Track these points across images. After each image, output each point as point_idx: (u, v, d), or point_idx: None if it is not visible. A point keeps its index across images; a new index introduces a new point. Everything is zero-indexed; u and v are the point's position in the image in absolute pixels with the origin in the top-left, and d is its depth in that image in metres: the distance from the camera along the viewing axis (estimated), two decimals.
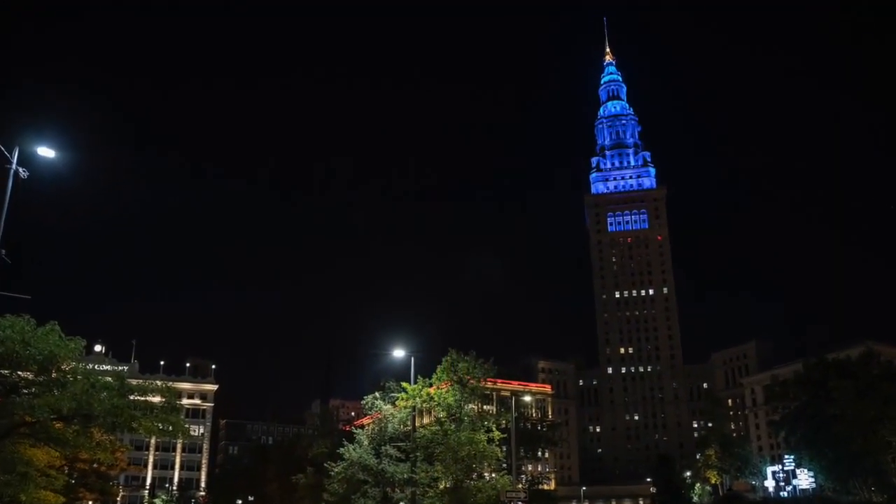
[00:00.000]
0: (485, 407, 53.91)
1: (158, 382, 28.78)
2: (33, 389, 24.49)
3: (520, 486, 60.18)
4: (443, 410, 43.12)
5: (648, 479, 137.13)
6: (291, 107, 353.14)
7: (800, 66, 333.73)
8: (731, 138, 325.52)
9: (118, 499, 77.95)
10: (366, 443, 44.74)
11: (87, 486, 48.07)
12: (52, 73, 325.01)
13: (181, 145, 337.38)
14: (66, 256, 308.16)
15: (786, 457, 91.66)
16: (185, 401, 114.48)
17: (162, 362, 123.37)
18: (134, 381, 27.96)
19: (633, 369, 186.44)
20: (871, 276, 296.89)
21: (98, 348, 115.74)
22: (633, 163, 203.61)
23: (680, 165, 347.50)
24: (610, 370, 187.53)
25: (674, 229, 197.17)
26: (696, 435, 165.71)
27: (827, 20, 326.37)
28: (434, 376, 45.69)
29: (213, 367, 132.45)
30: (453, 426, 41.67)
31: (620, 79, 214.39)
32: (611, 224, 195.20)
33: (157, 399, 26.94)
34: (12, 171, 19.62)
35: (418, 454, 41.29)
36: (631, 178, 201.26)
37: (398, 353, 40.77)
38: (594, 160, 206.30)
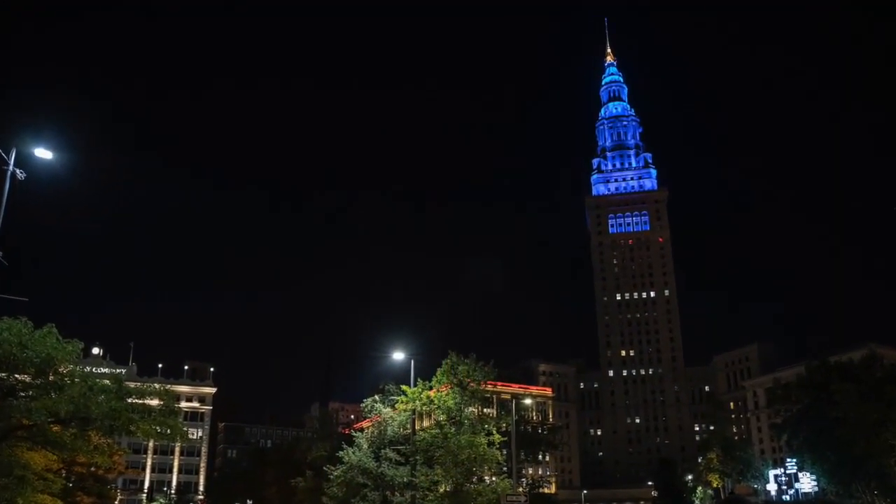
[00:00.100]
0: (485, 410, 53.79)
1: (157, 385, 28.67)
2: (30, 392, 24.39)
3: (520, 489, 59.93)
4: (443, 413, 42.95)
5: (650, 483, 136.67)
6: (291, 108, 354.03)
7: (800, 66, 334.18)
8: (733, 139, 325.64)
9: (116, 502, 77.54)
10: (365, 446, 44.54)
11: (84, 489, 47.88)
12: (50, 73, 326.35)
13: (180, 146, 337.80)
14: (63, 258, 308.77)
15: (788, 460, 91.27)
16: (183, 404, 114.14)
17: (160, 365, 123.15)
18: (132, 384, 27.82)
19: (634, 372, 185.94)
20: (874, 278, 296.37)
21: (96, 351, 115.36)
22: (634, 164, 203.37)
23: (681, 167, 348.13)
24: (611, 373, 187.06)
25: (675, 231, 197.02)
26: (697, 438, 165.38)
27: (827, 20, 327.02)
28: (434, 379, 45.56)
29: (212, 369, 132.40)
30: (453, 429, 41.49)
31: (622, 80, 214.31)
32: (612, 226, 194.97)
33: (155, 402, 26.83)
34: (10, 173, 19.56)
35: (418, 457, 41.11)
36: (632, 179, 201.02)
37: (398, 355, 40.65)
38: (595, 161, 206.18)
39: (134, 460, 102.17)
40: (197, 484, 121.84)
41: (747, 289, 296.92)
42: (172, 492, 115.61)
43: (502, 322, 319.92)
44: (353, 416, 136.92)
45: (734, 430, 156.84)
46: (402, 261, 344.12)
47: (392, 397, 45.62)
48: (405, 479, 40.85)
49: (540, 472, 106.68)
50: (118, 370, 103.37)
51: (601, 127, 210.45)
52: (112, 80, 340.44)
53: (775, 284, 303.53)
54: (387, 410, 45.24)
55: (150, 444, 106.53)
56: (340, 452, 45.66)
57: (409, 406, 43.03)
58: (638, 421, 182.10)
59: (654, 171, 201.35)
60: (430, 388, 44.68)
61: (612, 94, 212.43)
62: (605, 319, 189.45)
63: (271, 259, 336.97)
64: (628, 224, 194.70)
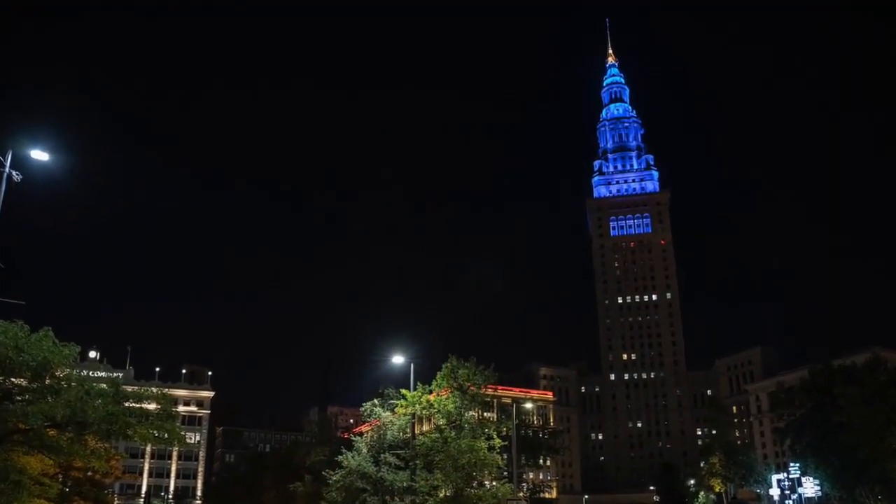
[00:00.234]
0: (485, 414, 53.50)
1: (154, 389, 28.49)
2: (27, 396, 24.25)
3: (521, 494, 59.58)
4: (443, 417, 42.71)
5: (652, 488, 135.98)
6: (290, 108, 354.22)
7: (801, 66, 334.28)
8: (735, 141, 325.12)
9: None
10: (364, 450, 44.30)
11: (81, 494, 47.63)
12: (48, 73, 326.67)
13: (178, 147, 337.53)
14: (60, 261, 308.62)
15: (791, 465, 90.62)
16: (181, 408, 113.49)
17: (158, 369, 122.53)
18: (129, 388, 27.67)
19: (636, 376, 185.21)
20: (877, 281, 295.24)
21: (93, 354, 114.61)
22: (635, 166, 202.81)
23: (683, 168, 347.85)
24: (612, 377, 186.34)
25: (677, 233, 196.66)
26: (699, 442, 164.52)
27: (828, 20, 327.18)
28: (434, 383, 45.37)
29: (210, 373, 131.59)
30: (453, 433, 41.25)
31: (623, 81, 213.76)
32: (613, 228, 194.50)
33: (152, 406, 26.67)
34: (6, 175, 19.46)
35: (418, 462, 40.87)
36: (634, 181, 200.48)
37: (397, 359, 40.46)
38: (596, 163, 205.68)
39: (131, 465, 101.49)
40: (195, 489, 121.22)
41: (750, 292, 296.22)
42: (170, 496, 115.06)
43: (503, 325, 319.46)
44: (352, 421, 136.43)
45: (737, 434, 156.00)
46: (402, 262, 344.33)
47: (392, 401, 45.42)
48: (405, 484, 40.58)
49: (541, 477, 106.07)
50: (115, 374, 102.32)
51: (602, 128, 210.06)
52: (110, 80, 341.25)
53: (778, 287, 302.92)
54: (386, 414, 45.02)
55: (148, 448, 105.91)
56: (339, 457, 45.41)
57: (409, 410, 42.81)
58: (640, 425, 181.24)
59: (655, 173, 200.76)
60: (430, 392, 44.47)
61: (613, 96, 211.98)
62: (606, 323, 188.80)
63: (270, 260, 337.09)
64: (630, 226, 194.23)
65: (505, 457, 43.80)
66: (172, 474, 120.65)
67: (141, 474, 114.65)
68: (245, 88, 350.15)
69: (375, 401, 46.77)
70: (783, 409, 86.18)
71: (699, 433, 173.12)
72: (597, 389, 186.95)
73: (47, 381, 24.22)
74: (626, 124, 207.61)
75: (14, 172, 19.52)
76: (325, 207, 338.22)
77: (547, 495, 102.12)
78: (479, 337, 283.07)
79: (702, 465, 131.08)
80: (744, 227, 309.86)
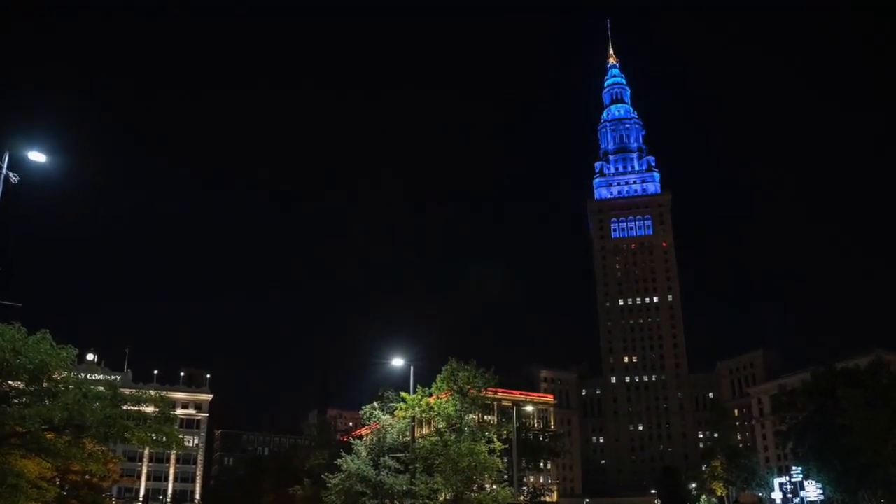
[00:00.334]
0: (486, 417, 53.29)
1: (152, 392, 28.46)
2: (24, 399, 24.23)
3: (521, 498, 59.32)
4: (443, 421, 42.55)
5: (653, 491, 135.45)
6: (289, 108, 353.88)
7: (803, 67, 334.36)
8: (737, 142, 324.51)
9: None
10: (364, 454, 44.10)
11: (79, 498, 47.48)
12: (45, 74, 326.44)
13: (177, 149, 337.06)
14: (58, 263, 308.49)
15: (793, 468, 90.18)
16: (179, 411, 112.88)
17: (156, 371, 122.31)
18: (127, 391, 27.64)
19: (637, 379, 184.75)
20: (880, 283, 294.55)
21: (90, 357, 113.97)
22: (637, 167, 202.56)
23: (685, 170, 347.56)
24: (614, 379, 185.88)
25: (679, 235, 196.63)
26: (701, 446, 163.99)
27: (831, 22, 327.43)
28: (434, 386, 45.18)
29: (208, 376, 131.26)
30: (453, 437, 41.07)
31: (624, 82, 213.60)
32: (614, 230, 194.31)
33: (150, 409, 26.63)
34: (2, 177, 19.40)
35: (418, 465, 40.67)
36: (635, 182, 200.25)
37: (397, 361, 40.31)
38: (597, 165, 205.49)
39: (129, 468, 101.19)
40: (193, 492, 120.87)
41: (752, 294, 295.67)
42: (168, 500, 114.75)
43: (503, 328, 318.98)
44: (351, 424, 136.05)
45: (738, 437, 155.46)
46: (402, 263, 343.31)
47: (391, 404, 45.24)
48: (404, 488, 40.38)
49: (541, 481, 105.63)
50: (113, 377, 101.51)
51: (603, 130, 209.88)
52: (108, 81, 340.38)
53: (780, 288, 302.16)
54: (386, 417, 44.85)
55: (146, 451, 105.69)
56: (339, 460, 45.20)
57: (409, 413, 42.65)
58: (641, 428, 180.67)
59: (657, 175, 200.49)
60: (430, 395, 44.30)
61: (614, 97, 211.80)
62: (607, 325, 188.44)
63: (269, 262, 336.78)
64: (631, 228, 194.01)
65: (505, 460, 43.57)
66: (171, 478, 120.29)
67: (139, 478, 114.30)
68: (245, 88, 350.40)
69: (375, 404, 46.60)
70: (785, 411, 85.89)
71: (701, 436, 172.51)
72: (598, 392, 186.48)
73: (45, 384, 24.19)
74: (628, 125, 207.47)
75: (11, 174, 19.47)
76: (324, 208, 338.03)
77: (547, 499, 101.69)
78: (480, 339, 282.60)
79: (703, 468, 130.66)
80: (745, 229, 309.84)
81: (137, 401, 26.37)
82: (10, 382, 23.83)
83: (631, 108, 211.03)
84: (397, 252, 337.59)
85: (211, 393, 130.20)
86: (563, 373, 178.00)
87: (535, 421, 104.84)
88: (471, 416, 44.35)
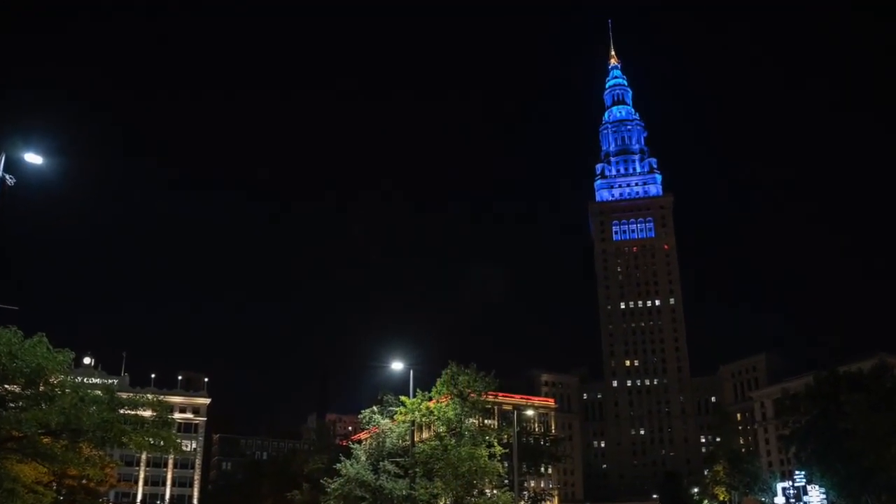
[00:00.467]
0: (486, 421, 53.02)
1: (149, 396, 28.37)
2: (20, 403, 24.11)
3: (522, 502, 58.86)
4: (443, 425, 42.33)
5: (655, 496, 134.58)
6: (288, 110, 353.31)
7: (803, 67, 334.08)
8: (738, 143, 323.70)
9: None
10: (363, 458, 43.87)
11: (75, 502, 47.31)
12: (40, 76, 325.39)
13: (175, 152, 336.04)
14: (54, 266, 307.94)
15: (796, 473, 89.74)
16: (176, 415, 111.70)
17: (153, 375, 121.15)
18: (124, 395, 27.52)
19: (638, 382, 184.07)
20: (885, 286, 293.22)
21: (87, 361, 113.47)
22: (638, 169, 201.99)
23: (687, 172, 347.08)
24: (615, 383, 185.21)
25: (681, 238, 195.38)
26: (703, 450, 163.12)
27: (831, 22, 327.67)
28: (433, 390, 44.99)
29: (206, 380, 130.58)
30: (453, 441, 40.86)
31: (626, 83, 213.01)
32: (616, 232, 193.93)
33: (148, 413, 26.49)
34: None
35: (417, 470, 40.43)
36: (636, 185, 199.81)
37: (397, 365, 40.12)
38: (599, 167, 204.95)
39: (126, 473, 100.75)
40: (191, 497, 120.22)
41: (754, 296, 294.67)
42: None
43: (504, 331, 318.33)
44: (350, 428, 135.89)
45: (741, 441, 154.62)
46: (401, 265, 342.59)
47: (391, 408, 45.05)
48: (404, 492, 40.12)
49: (542, 485, 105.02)
50: (110, 380, 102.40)
51: (605, 131, 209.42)
52: (104, 82, 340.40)
53: (783, 293, 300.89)
54: (385, 422, 44.64)
55: (143, 456, 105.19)
56: (338, 465, 44.98)
57: (409, 417, 42.43)
58: (642, 432, 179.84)
59: (658, 177, 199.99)
60: (430, 399, 44.11)
61: (616, 98, 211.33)
62: (608, 328, 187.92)
63: (267, 267, 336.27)
64: (633, 231, 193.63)
65: (506, 465, 43.33)
66: (168, 482, 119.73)
67: (136, 482, 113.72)
68: (244, 89, 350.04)
69: (374, 408, 46.42)
70: (788, 416, 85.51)
71: (703, 440, 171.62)
72: (599, 396, 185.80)
73: (41, 388, 24.08)
74: (629, 127, 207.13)
75: (8, 176, 19.39)
76: (324, 208, 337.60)
77: None
78: (480, 343, 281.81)
79: (706, 473, 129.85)
80: (747, 231, 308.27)
81: (135, 405, 26.22)
82: (6, 386, 23.73)
83: (632, 110, 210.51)
84: (397, 253, 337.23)
85: (209, 397, 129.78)
86: (564, 376, 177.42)
87: (536, 425, 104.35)
88: (471, 420, 44.15)
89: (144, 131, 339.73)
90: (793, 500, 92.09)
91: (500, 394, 79.33)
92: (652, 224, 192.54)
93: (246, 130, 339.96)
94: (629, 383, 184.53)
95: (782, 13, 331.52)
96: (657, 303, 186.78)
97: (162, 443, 26.71)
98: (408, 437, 41.98)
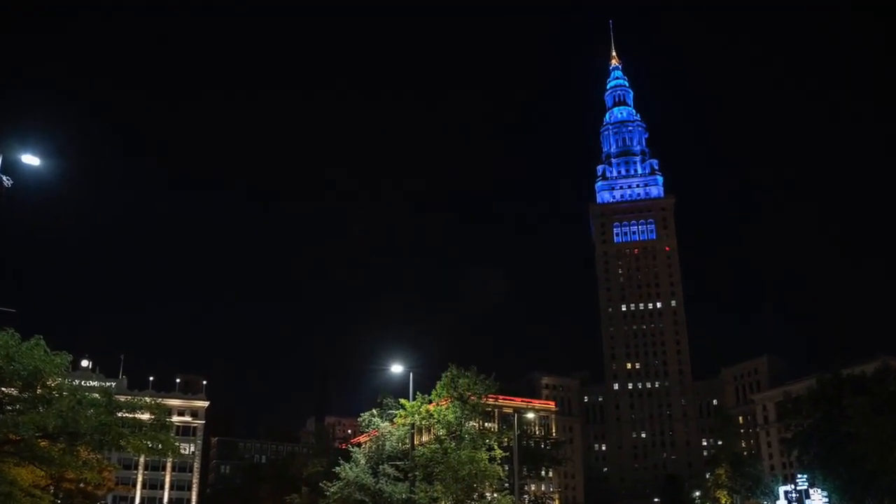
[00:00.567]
0: (486, 424, 52.83)
1: (147, 399, 28.34)
2: (18, 406, 24.05)
3: None
4: (443, 428, 42.15)
5: (656, 500, 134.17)
6: (287, 111, 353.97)
7: (803, 68, 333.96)
8: (742, 145, 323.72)
9: None
10: (363, 462, 43.69)
11: None
12: (37, 76, 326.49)
13: (175, 152, 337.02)
14: (52, 268, 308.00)
15: (798, 476, 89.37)
16: (175, 418, 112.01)
17: (151, 378, 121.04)
18: (122, 398, 27.47)
19: (640, 385, 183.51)
20: (887, 288, 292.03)
21: (85, 363, 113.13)
22: (640, 171, 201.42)
23: (689, 173, 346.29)
24: (616, 386, 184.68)
25: (682, 240, 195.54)
26: (705, 453, 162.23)
27: (831, 22, 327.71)
28: (433, 392, 44.84)
29: (205, 382, 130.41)
30: (453, 444, 40.68)
31: (627, 84, 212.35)
32: (617, 234, 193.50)
33: (146, 416, 26.40)
34: None
35: (417, 473, 40.25)
36: (638, 186, 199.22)
37: (396, 368, 39.98)
38: (600, 168, 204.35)
39: (124, 476, 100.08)
40: (189, 500, 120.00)
41: (756, 299, 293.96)
42: None
43: (504, 333, 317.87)
44: (350, 431, 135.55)
45: (743, 445, 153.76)
46: (401, 267, 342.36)
47: (390, 411, 44.90)
48: (404, 496, 39.92)
49: (543, 489, 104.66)
50: (108, 383, 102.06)
51: (606, 132, 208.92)
52: (102, 82, 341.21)
53: (786, 295, 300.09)
54: (385, 425, 44.48)
55: (141, 459, 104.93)
56: (337, 468, 44.78)
57: (408, 420, 42.27)
58: (644, 435, 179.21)
59: (660, 178, 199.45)
60: (430, 402, 43.94)
61: (617, 99, 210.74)
62: (609, 331, 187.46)
63: (266, 269, 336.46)
64: (634, 232, 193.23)
65: (506, 468, 43.13)
66: (166, 486, 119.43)
67: (134, 486, 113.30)
68: (243, 89, 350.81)
69: (374, 411, 46.27)
70: (790, 419, 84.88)
71: (704, 444, 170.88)
72: (600, 399, 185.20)
73: (39, 391, 24.01)
74: (630, 128, 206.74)
75: (5, 177, 19.33)
76: (323, 209, 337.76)
77: None
78: (480, 346, 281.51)
79: (707, 476, 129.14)
80: (749, 233, 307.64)
81: (133, 408, 26.15)
82: (3, 389, 23.66)
83: (634, 111, 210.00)
84: (397, 253, 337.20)
85: (207, 400, 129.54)
86: (565, 379, 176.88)
87: (537, 428, 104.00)
88: (471, 423, 43.99)
89: (144, 131, 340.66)
90: None
91: (501, 396, 79.07)
92: (653, 226, 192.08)
93: (246, 130, 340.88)
94: (630, 386, 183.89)
95: (782, 13, 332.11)
96: (658, 305, 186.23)
97: (160, 446, 26.59)
98: (407, 441, 41.80)
